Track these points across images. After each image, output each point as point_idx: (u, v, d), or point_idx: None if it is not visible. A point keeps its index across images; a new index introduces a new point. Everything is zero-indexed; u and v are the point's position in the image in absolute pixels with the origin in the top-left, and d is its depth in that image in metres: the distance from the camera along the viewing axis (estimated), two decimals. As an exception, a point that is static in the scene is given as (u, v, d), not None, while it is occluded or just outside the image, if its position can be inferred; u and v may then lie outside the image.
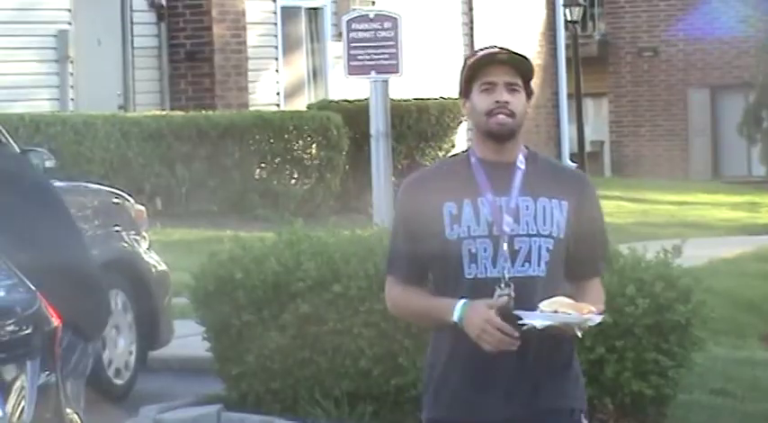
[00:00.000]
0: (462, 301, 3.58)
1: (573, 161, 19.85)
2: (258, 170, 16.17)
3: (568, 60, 22.83)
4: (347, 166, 16.51)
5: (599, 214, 3.83)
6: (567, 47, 22.78)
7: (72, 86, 17.53)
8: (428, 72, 17.74)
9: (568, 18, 23.38)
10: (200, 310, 8.53)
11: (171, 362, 9.92)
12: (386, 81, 13.16)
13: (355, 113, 15.45)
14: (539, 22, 20.38)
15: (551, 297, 3.67)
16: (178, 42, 17.72)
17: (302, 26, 19.28)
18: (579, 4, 25.04)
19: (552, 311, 3.61)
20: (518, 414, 3.71)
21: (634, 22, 26.73)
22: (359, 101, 15.20)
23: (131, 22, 18.04)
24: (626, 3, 26.37)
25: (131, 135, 15.36)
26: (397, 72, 13.09)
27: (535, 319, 3.59)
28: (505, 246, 3.68)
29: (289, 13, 19.01)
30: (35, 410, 4.96)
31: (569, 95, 22.75)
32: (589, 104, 27.25)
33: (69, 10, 17.93)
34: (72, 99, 17.57)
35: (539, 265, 3.69)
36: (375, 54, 13.06)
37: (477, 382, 3.78)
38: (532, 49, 22.56)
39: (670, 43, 26.40)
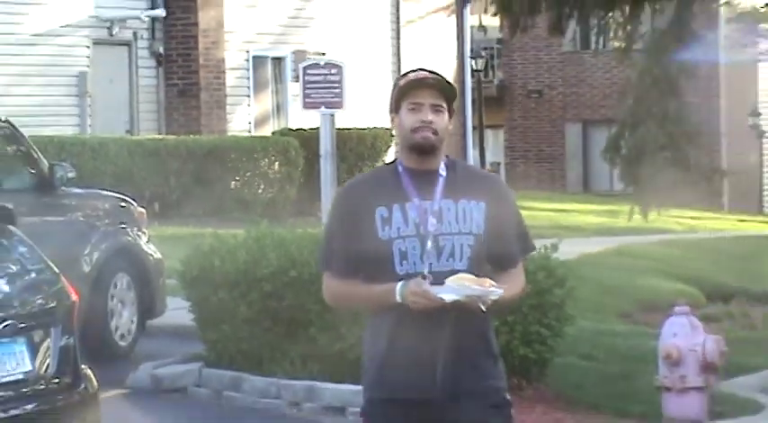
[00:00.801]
0: (401, 282, 3.26)
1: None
2: (233, 182, 15.70)
3: (474, 100, 22.45)
4: (302, 180, 15.95)
5: (514, 211, 3.48)
6: (473, 89, 22.30)
7: (90, 115, 17.12)
8: (365, 107, 16.96)
9: (474, 67, 23.22)
10: (186, 289, 8.56)
11: (164, 328, 9.81)
12: (333, 114, 13.01)
13: (309, 138, 15.08)
14: (451, 69, 20.02)
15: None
16: (172, 82, 17.77)
17: (268, 71, 18.59)
18: (482, 57, 25.02)
19: (457, 286, 3.30)
20: (449, 392, 3.40)
21: (524, 71, 26.84)
22: (312, 129, 14.61)
23: (137, 66, 18.12)
24: (518, 56, 26.41)
25: (135, 153, 15.16)
26: (341, 107, 12.99)
27: (443, 293, 3.29)
28: (430, 243, 3.36)
29: (258, 62, 18.25)
30: (57, 366, 5.34)
31: (474, 127, 22.83)
32: (489, 134, 27.13)
33: (88, 56, 17.69)
34: (90, 125, 17.28)
35: (461, 260, 3.38)
36: (325, 93, 12.96)
37: (412, 364, 3.42)
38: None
39: (552, 87, 26.66)
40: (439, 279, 3.20)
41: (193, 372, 8.34)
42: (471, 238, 3.30)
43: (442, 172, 3.32)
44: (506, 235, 3.36)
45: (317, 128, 13.19)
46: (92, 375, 5.76)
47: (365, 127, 17.33)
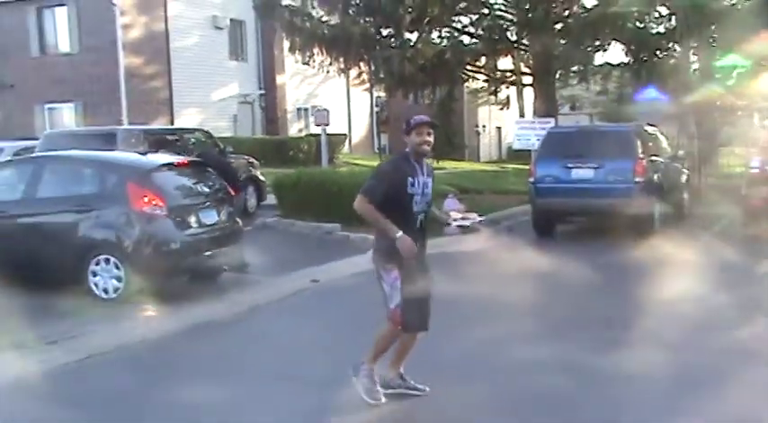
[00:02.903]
0: (400, 232, 4.94)
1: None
2: (290, 152, 24.67)
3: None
4: (315, 154, 22.83)
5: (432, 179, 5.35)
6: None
7: (236, 129, 27.78)
8: (336, 125, 26.83)
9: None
10: (275, 189, 14.41)
11: (265, 206, 14.87)
12: (324, 128, 19.51)
13: (316, 138, 21.69)
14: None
15: (437, 219, 5.32)
16: (268, 117, 28.49)
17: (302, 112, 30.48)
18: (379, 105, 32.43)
19: (461, 218, 5.12)
20: (421, 264, 5.19)
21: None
22: (317, 134, 20.90)
23: (252, 111, 29.60)
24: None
25: (251, 142, 23.67)
26: (328, 124, 19.54)
27: (463, 223, 5.05)
28: (424, 197, 5.19)
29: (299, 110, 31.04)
30: (227, 218, 9.62)
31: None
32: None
33: (236, 109, 28.85)
34: (235, 131, 27.33)
35: (430, 205, 5.26)
36: (321, 119, 19.61)
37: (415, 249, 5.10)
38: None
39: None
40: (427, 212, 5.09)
41: (276, 220, 13.70)
42: (430, 195, 5.29)
43: (424, 163, 5.25)
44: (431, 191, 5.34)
45: (320, 134, 20.01)
46: (240, 222, 9.90)
47: (336, 133, 26.01)
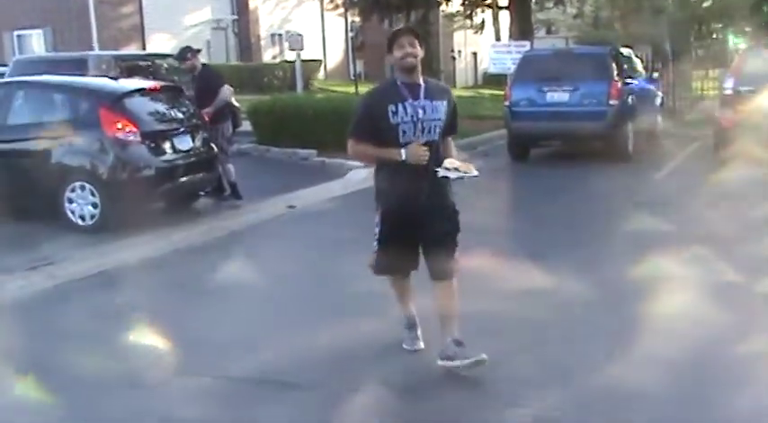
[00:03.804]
0: (403, 149, 4.35)
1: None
2: (266, 79, 24.33)
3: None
4: (290, 77, 22.89)
5: (456, 105, 4.53)
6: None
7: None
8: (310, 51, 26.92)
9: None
10: (250, 116, 13.96)
11: (241, 133, 12.31)
12: (299, 53, 19.77)
13: (291, 65, 22.13)
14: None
15: (442, 157, 4.44)
16: (242, 45, 28.05)
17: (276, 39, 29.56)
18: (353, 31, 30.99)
19: (453, 168, 4.34)
20: (425, 207, 4.42)
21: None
22: (293, 60, 21.28)
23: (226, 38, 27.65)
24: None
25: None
26: (302, 49, 19.79)
27: (449, 173, 4.33)
28: (420, 125, 4.36)
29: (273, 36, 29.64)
30: (201, 144, 9.46)
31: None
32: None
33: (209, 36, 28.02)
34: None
35: (435, 134, 4.41)
36: (296, 44, 19.62)
37: (405, 193, 4.43)
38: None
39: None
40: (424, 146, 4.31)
41: (252, 147, 13.76)
42: (439, 122, 4.42)
43: (423, 84, 4.41)
44: (453, 119, 4.53)
45: (295, 60, 20.58)
46: (215, 148, 9.73)
47: (310, 59, 26.12)
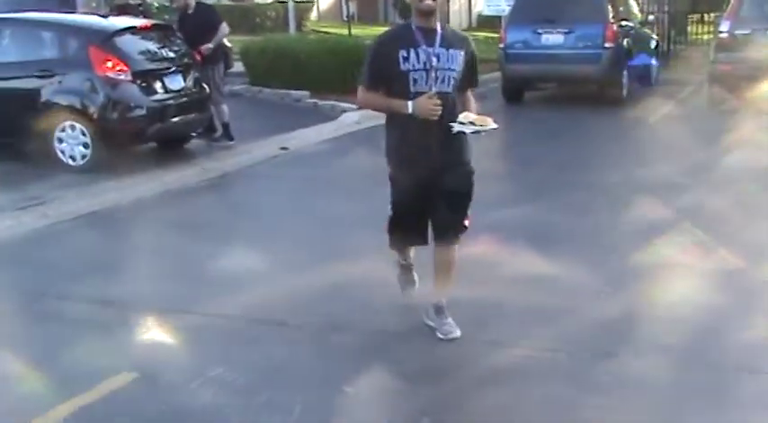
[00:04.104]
0: (411, 101, 3.99)
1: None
2: (258, 19, 24.30)
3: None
4: (282, 16, 23.04)
5: (476, 58, 4.19)
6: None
7: None
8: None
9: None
10: (242, 57, 13.82)
11: (233, 74, 11.98)
12: None
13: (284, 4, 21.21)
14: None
15: (458, 113, 4.04)
16: None
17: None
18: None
19: (469, 122, 3.99)
20: (438, 165, 4.10)
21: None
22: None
23: None
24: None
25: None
26: None
27: (464, 128, 3.99)
28: (433, 74, 4.02)
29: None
30: (193, 84, 9.32)
31: None
32: None
33: None
34: None
35: (449, 85, 4.07)
36: None
37: (415, 150, 4.12)
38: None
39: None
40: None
41: (244, 88, 13.59)
42: (455, 72, 4.06)
43: (440, 30, 4.05)
44: (472, 70, 4.20)
45: (287, 0, 19.84)
46: (206, 87, 9.52)
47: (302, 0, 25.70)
